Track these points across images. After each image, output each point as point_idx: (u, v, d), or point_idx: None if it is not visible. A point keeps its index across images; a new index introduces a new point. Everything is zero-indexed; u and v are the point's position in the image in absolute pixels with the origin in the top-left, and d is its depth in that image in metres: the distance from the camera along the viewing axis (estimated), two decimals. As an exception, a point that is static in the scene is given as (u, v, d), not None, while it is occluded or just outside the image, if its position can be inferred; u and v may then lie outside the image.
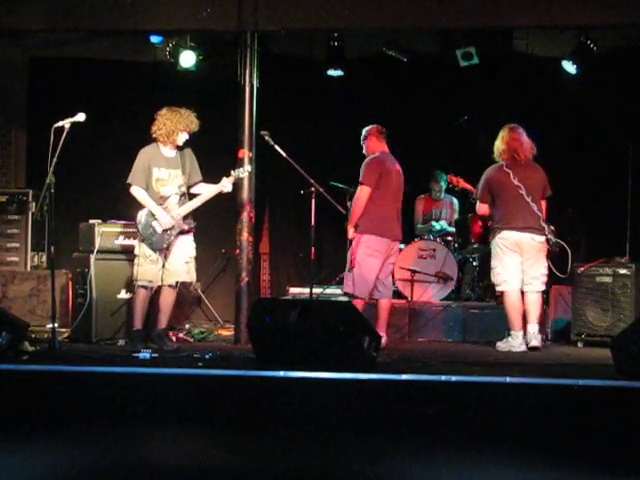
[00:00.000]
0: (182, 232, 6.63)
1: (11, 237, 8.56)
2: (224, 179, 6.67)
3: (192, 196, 6.75)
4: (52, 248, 6.51)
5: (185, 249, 6.67)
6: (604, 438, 4.35)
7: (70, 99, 8.44)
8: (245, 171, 6.84)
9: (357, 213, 6.87)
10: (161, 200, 6.61)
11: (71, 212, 8.25)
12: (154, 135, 6.64)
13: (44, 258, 8.59)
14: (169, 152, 6.69)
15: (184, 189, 6.69)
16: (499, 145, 7.04)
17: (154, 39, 8.36)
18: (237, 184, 7.19)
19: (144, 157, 6.65)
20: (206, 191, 6.70)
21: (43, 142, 6.20)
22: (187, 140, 6.70)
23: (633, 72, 8.36)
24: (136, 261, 6.60)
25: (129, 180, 6.61)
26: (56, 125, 6.12)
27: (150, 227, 6.56)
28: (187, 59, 8.35)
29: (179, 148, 6.71)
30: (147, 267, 6.55)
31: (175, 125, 6.57)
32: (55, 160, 6.03)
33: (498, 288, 7.07)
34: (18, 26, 7.69)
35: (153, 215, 6.57)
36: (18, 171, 9.46)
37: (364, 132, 7.10)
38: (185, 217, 6.64)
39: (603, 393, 4.76)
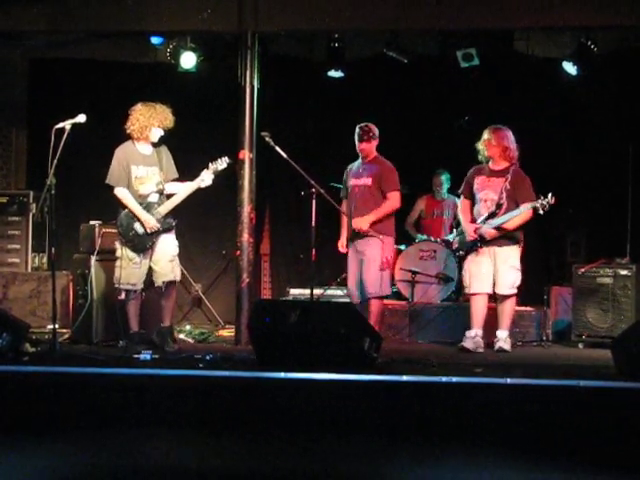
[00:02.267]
0: (164, 231, 6.54)
1: (12, 238, 8.55)
2: (203, 172, 6.53)
3: (168, 194, 6.63)
4: (53, 249, 6.49)
5: (168, 248, 6.57)
6: (605, 439, 4.36)
7: (71, 100, 8.43)
8: (224, 162, 6.58)
9: (384, 217, 6.94)
10: (140, 199, 6.53)
11: (72, 213, 8.25)
12: (128, 131, 6.55)
13: (45, 259, 8.58)
14: (145, 149, 6.59)
15: (162, 186, 6.59)
16: (513, 148, 6.89)
17: (155, 40, 8.35)
18: (237, 185, 7.19)
19: (121, 155, 6.55)
20: (185, 187, 6.55)
21: (44, 143, 6.19)
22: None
23: (633, 73, 8.35)
24: (118, 263, 6.51)
25: (108, 181, 6.53)
26: (57, 126, 6.09)
27: (132, 229, 6.48)
28: (187, 60, 8.34)
29: (155, 145, 6.61)
30: (130, 271, 6.48)
31: (148, 120, 6.48)
32: (56, 161, 6.02)
33: (514, 291, 6.90)
34: (18, 28, 7.69)
35: (133, 216, 6.49)
36: (19, 172, 9.45)
37: (375, 132, 7.05)
38: (166, 216, 6.55)
39: (604, 394, 4.76)
